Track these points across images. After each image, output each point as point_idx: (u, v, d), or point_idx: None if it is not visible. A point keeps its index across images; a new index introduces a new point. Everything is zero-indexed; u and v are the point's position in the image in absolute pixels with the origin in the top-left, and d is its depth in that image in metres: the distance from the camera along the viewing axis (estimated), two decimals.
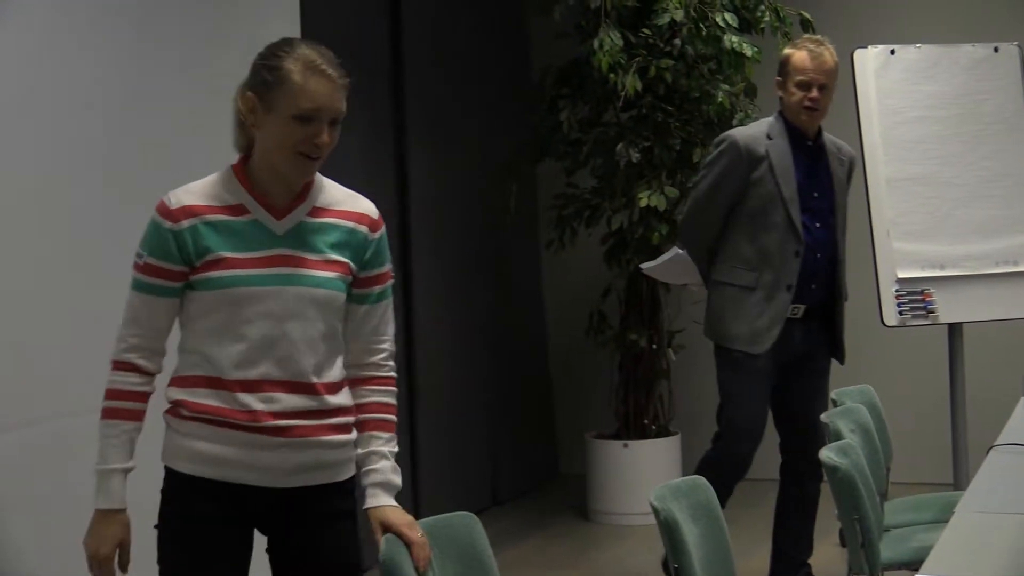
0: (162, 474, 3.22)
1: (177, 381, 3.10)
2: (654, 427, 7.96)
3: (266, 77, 3.07)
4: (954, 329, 6.93)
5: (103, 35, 5.01)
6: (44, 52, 4.73)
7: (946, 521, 3.55)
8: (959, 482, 5.09)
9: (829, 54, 5.71)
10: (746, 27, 7.42)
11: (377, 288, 3.33)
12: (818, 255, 5.70)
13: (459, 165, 7.95)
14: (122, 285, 3.87)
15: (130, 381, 3.07)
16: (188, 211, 3.05)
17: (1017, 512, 3.65)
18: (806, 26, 7.56)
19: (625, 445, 7.91)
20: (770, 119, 5.82)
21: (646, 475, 7.55)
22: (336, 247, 3.17)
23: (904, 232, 6.76)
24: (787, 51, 5.84)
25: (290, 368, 3.12)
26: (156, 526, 3.15)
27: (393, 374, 3.40)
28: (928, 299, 6.76)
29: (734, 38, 7.23)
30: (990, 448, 4.51)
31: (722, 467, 5.64)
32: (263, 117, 3.07)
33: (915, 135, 6.90)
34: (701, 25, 7.27)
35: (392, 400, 3.36)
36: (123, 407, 3.06)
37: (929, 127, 6.93)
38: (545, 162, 8.23)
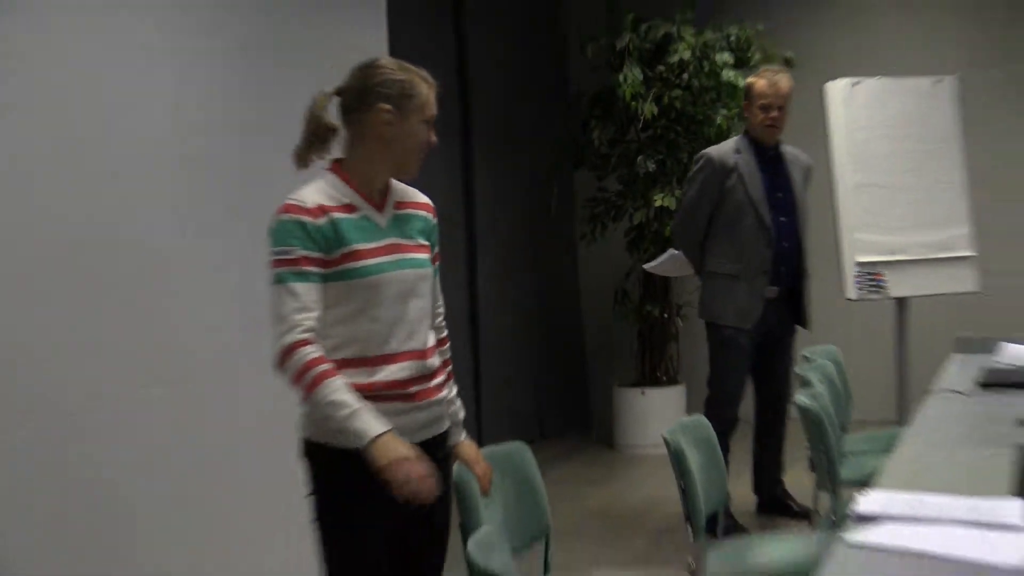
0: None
1: (341, 364, 2.99)
2: (665, 378, 8.16)
3: (402, 91, 3.06)
4: (901, 302, 7.07)
5: (212, 58, 4.69)
6: (160, 73, 4.41)
7: (892, 449, 3.56)
8: (903, 419, 5.31)
9: (785, 81, 5.85)
10: (740, 64, 7.53)
11: (438, 263, 3.30)
12: (785, 244, 5.87)
13: (512, 173, 8.09)
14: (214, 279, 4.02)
15: (317, 348, 2.92)
16: (323, 209, 3.00)
17: (947, 441, 3.71)
18: (788, 63, 7.52)
19: (643, 392, 8.09)
20: (738, 137, 6.02)
21: (658, 415, 7.70)
22: (421, 232, 3.19)
23: (863, 225, 6.84)
24: (750, 80, 6.00)
25: (413, 340, 3.12)
26: (312, 493, 3.07)
27: (447, 332, 3.42)
28: (881, 278, 6.86)
29: (730, 73, 7.41)
30: (927, 393, 4.55)
31: (719, 418, 5.43)
32: (399, 125, 3.06)
33: (874, 150, 6.96)
34: (704, 63, 7.47)
35: (449, 353, 3.38)
36: (327, 368, 2.91)
37: (885, 144, 6.99)
38: (580, 171, 8.40)
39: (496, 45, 7.94)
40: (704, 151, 6.08)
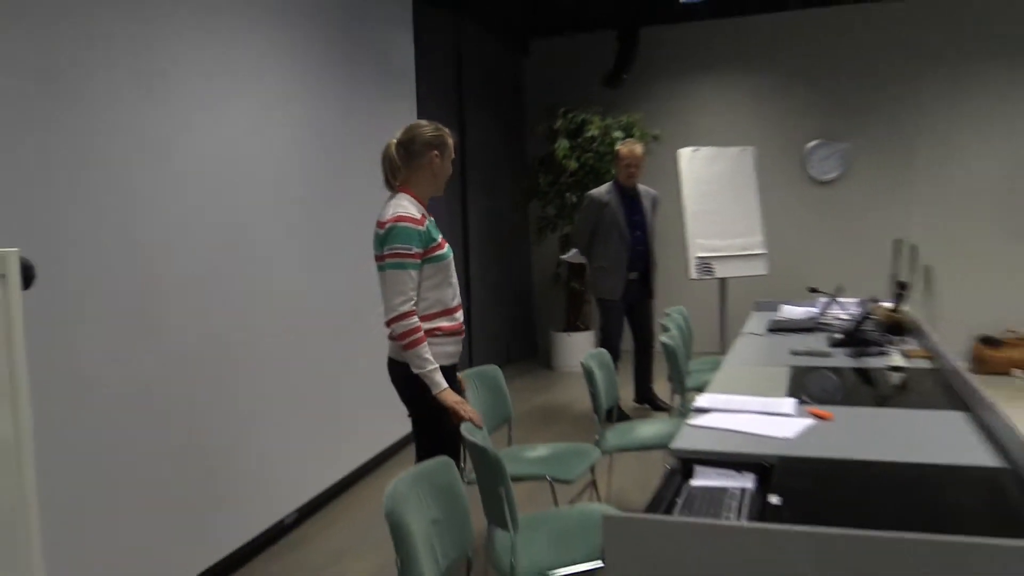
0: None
1: (425, 318, 2.96)
2: (581, 326, 8.10)
3: (443, 142, 3.06)
4: (723, 280, 7.11)
5: (304, 108, 4.63)
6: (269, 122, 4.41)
7: (717, 369, 3.63)
8: (723, 351, 5.44)
9: (638, 148, 5.94)
10: (628, 136, 7.43)
11: None
12: (639, 247, 5.98)
13: (491, 202, 8.01)
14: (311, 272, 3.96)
15: (418, 319, 2.89)
16: (423, 219, 2.96)
17: (749, 363, 3.81)
18: (656, 138, 7.72)
19: (568, 334, 8.04)
20: (610, 183, 6.05)
21: (578, 349, 7.74)
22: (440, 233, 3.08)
23: (700, 234, 6.86)
24: (617, 147, 6.03)
25: (458, 297, 3.11)
26: (417, 406, 3.02)
27: None
28: (711, 266, 6.90)
29: (620, 143, 7.51)
30: (738, 335, 4.63)
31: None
32: (441, 164, 3.07)
33: (705, 190, 6.99)
34: (606, 137, 7.44)
35: None
36: (422, 335, 2.89)
37: (713, 187, 7.02)
38: (532, 202, 8.32)
39: (483, 124, 7.90)
40: (588, 192, 6.17)
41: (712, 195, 7.05)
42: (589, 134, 7.53)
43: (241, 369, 3.78)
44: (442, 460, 2.24)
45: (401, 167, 3.05)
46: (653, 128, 7.87)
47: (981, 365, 7.48)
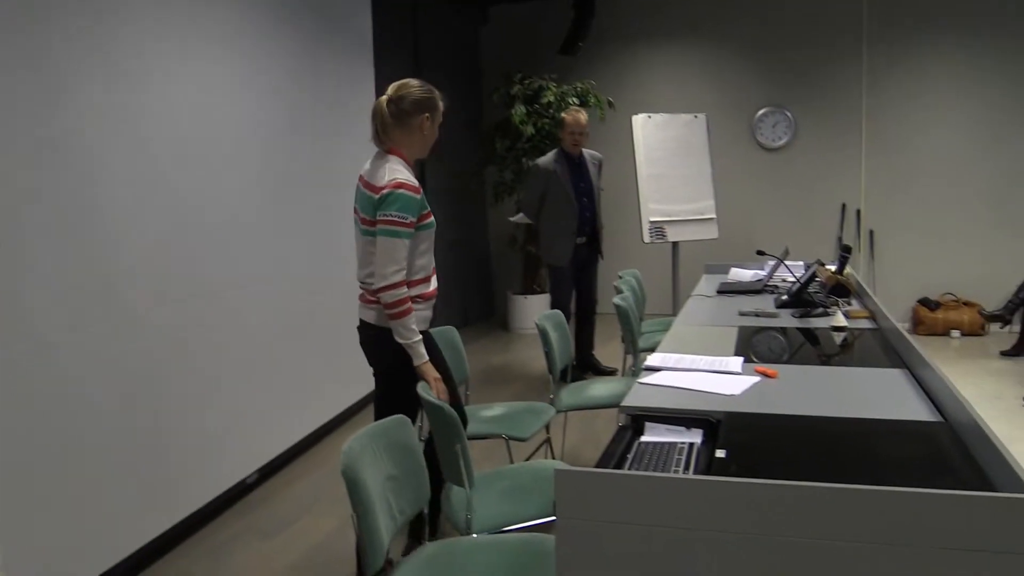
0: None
1: (412, 284, 2.89)
2: (537, 288, 8.08)
3: (434, 105, 2.97)
4: (675, 244, 7.14)
5: (262, 78, 4.54)
6: (219, 93, 4.33)
7: (668, 329, 3.67)
8: (675, 312, 5.49)
9: (583, 116, 5.90)
10: (583, 104, 7.39)
11: None
12: (587, 213, 5.93)
13: (450, 167, 7.91)
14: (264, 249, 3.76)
15: (406, 289, 2.83)
16: (420, 186, 2.89)
17: (698, 324, 3.87)
18: (611, 104, 7.69)
19: (525, 297, 8.05)
20: (555, 151, 6.00)
21: (533, 310, 7.63)
22: None
23: (653, 199, 6.89)
24: (563, 115, 5.99)
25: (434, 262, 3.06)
26: (388, 370, 2.97)
27: None
28: (663, 230, 6.94)
29: (565, 112, 7.47)
30: (689, 297, 4.68)
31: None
32: (430, 127, 2.98)
33: (658, 156, 7.01)
34: (562, 103, 7.38)
35: None
36: (410, 305, 2.84)
37: (665, 153, 7.04)
38: (489, 167, 8.30)
39: (440, 90, 7.72)
40: (535, 161, 6.20)
41: (665, 161, 7.07)
42: (545, 100, 7.49)
43: (201, 332, 3.72)
44: (398, 418, 2.24)
45: (392, 126, 2.92)
46: (608, 95, 7.83)
47: (920, 326, 7.64)
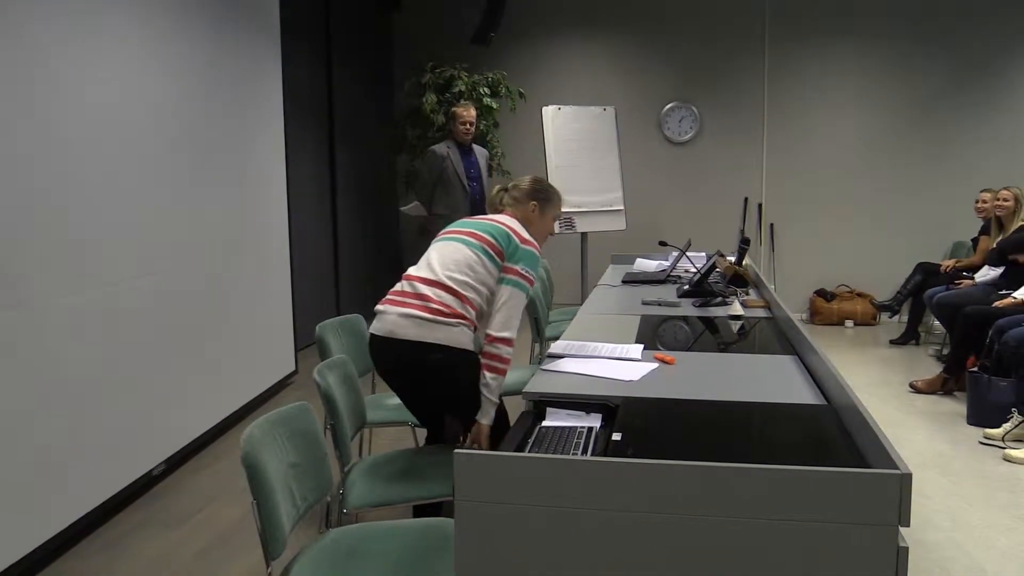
0: None
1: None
2: None
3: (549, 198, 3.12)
4: (584, 235, 7.28)
5: (172, 55, 4.49)
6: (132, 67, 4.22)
7: (573, 318, 3.82)
8: (582, 301, 5.58)
9: (472, 110, 6.27)
10: (494, 94, 7.52)
11: None
12: (476, 197, 6.19)
13: (358, 156, 7.88)
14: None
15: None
16: None
17: (602, 312, 3.97)
18: (522, 95, 7.75)
19: None
20: (446, 141, 6.30)
21: None
22: None
23: (562, 190, 7.01)
24: (454, 109, 6.31)
25: None
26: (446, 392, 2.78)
27: None
28: (572, 221, 7.06)
29: (488, 99, 7.42)
30: (595, 286, 4.73)
31: None
32: (549, 220, 3.11)
33: (568, 147, 7.12)
34: (473, 92, 7.42)
35: None
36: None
37: (575, 144, 7.15)
38: (400, 155, 8.27)
39: (351, 80, 7.76)
40: (429, 148, 6.42)
41: (574, 152, 7.17)
42: (456, 89, 7.49)
43: (102, 322, 3.60)
44: (300, 405, 2.23)
45: (525, 207, 3.04)
46: (519, 86, 7.87)
47: (817, 316, 7.93)
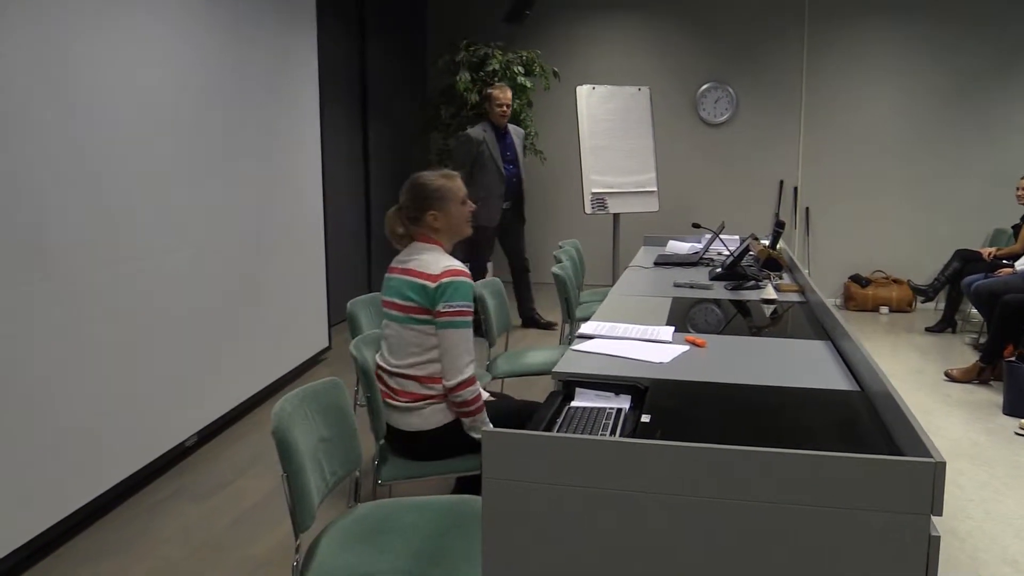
0: None
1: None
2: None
3: (458, 187, 2.84)
4: (616, 216, 7.23)
5: (201, 41, 4.48)
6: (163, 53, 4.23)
7: (604, 299, 3.94)
8: (615, 282, 5.56)
9: (508, 92, 6.35)
10: (528, 73, 7.43)
11: None
12: (513, 179, 6.36)
13: (392, 135, 7.89)
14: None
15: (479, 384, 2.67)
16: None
17: (634, 294, 3.94)
18: (556, 75, 7.69)
19: (465, 265, 8.13)
20: (483, 123, 6.38)
21: (475, 279, 7.86)
22: None
23: (595, 170, 6.95)
24: (490, 90, 6.38)
25: None
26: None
27: None
28: (605, 202, 7.02)
29: (522, 78, 7.35)
30: (627, 268, 4.74)
31: (478, 276, 6.18)
32: (458, 208, 2.85)
33: (602, 128, 7.06)
34: (507, 71, 7.38)
35: None
36: (482, 401, 2.66)
37: (608, 124, 7.08)
38: (432, 134, 8.23)
39: (385, 57, 7.74)
40: (464, 131, 6.50)
41: (608, 133, 7.12)
42: (490, 68, 7.44)
43: (138, 291, 3.64)
44: (330, 381, 2.25)
45: (419, 220, 2.76)
46: (553, 65, 7.82)
47: (851, 302, 7.84)
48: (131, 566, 3.03)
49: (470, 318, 2.60)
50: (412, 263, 2.67)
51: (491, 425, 2.63)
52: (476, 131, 6.31)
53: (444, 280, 2.58)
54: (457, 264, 2.66)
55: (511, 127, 6.47)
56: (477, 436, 2.59)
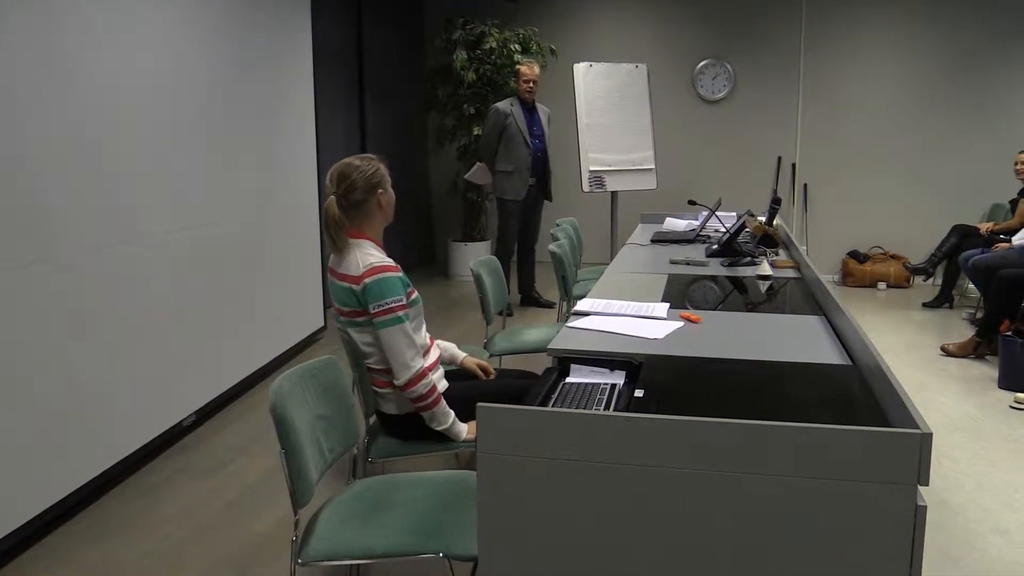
0: None
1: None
2: (478, 236, 8.15)
3: (383, 175, 2.75)
4: (613, 193, 7.22)
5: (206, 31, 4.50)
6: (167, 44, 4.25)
7: (599, 276, 3.87)
8: (612, 259, 5.56)
9: (536, 68, 6.52)
10: (525, 51, 7.48)
11: None
12: (538, 154, 6.51)
13: (389, 113, 7.88)
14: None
15: (431, 376, 2.61)
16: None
17: (630, 271, 3.96)
18: (553, 52, 7.75)
19: (465, 244, 8.08)
20: (512, 97, 6.55)
21: (474, 257, 7.86)
22: None
23: (593, 148, 6.92)
24: (518, 67, 6.56)
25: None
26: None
27: None
28: (602, 179, 7.01)
29: (519, 56, 7.39)
30: (624, 245, 4.76)
31: (504, 255, 6.44)
32: (387, 197, 2.78)
33: (599, 105, 7.03)
34: (504, 50, 7.43)
35: None
36: (439, 393, 2.62)
37: (605, 102, 7.05)
38: (430, 113, 8.29)
39: (382, 37, 7.72)
40: (494, 105, 6.60)
41: (605, 110, 7.10)
42: (487, 46, 7.45)
43: (138, 272, 3.66)
44: (327, 359, 2.26)
45: (352, 216, 2.66)
46: (550, 42, 7.81)
47: (849, 278, 7.86)
48: (133, 545, 3.06)
49: (404, 312, 2.56)
50: (341, 265, 2.63)
51: (452, 415, 2.62)
52: (504, 105, 6.48)
53: (367, 280, 2.54)
54: (377, 259, 2.59)
55: (539, 105, 6.63)
56: (439, 428, 2.61)
